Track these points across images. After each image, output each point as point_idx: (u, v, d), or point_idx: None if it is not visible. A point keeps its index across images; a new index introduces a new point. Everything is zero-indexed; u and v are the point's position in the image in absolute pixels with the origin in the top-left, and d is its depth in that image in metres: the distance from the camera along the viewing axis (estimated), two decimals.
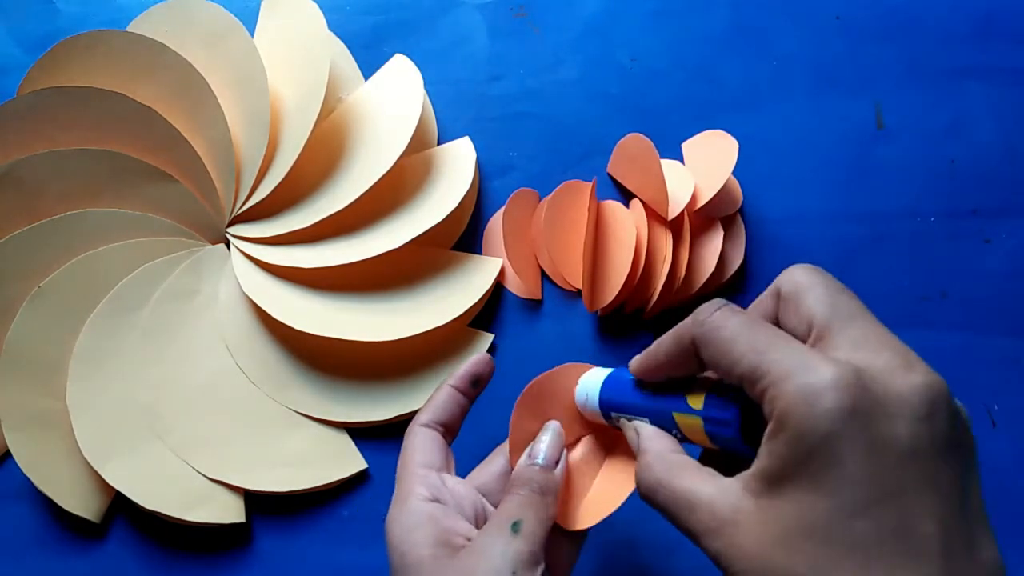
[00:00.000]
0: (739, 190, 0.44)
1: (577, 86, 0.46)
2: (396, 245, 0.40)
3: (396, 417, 0.40)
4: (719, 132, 0.43)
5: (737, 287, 0.43)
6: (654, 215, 0.42)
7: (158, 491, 0.38)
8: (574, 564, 0.31)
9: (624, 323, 0.43)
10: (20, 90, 0.43)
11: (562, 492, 0.29)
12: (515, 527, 0.27)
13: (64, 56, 0.42)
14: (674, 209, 0.40)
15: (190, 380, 0.41)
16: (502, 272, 0.43)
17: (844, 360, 0.20)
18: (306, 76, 0.42)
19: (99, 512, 0.40)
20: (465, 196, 0.42)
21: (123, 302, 0.41)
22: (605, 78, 0.46)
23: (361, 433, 0.41)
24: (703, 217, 0.42)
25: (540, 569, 0.26)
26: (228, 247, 0.43)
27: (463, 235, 0.44)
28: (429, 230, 0.41)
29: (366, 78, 0.46)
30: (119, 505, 0.40)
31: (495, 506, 0.31)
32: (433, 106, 0.46)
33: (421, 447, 0.31)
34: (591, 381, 0.30)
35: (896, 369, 0.20)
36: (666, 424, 0.26)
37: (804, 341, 0.22)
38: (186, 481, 0.39)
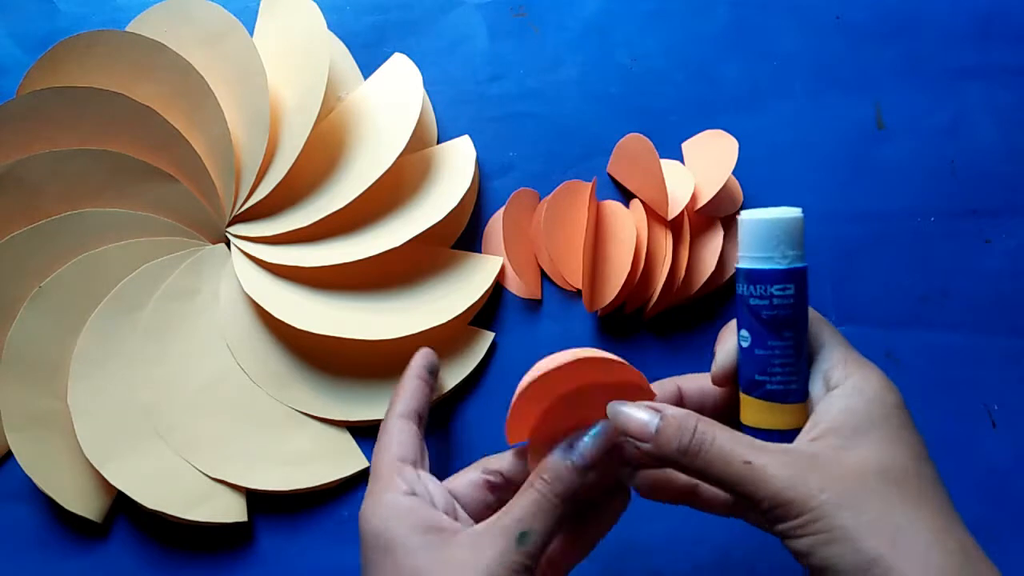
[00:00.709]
0: (739, 190, 0.44)
1: (577, 86, 0.46)
2: (396, 244, 0.40)
3: None
4: (719, 132, 0.43)
5: None
6: (654, 215, 0.42)
7: (160, 490, 0.38)
8: (572, 566, 0.31)
9: (624, 323, 0.43)
10: (20, 90, 0.43)
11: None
12: (523, 538, 0.26)
13: (64, 56, 0.42)
14: (674, 209, 0.40)
15: (191, 379, 0.41)
16: (502, 272, 0.43)
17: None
18: (306, 76, 0.42)
19: (101, 512, 0.40)
20: (465, 195, 0.42)
21: (124, 302, 0.41)
22: (605, 78, 0.46)
23: (362, 432, 0.41)
24: (703, 217, 0.42)
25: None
26: (228, 247, 0.43)
27: (463, 235, 0.44)
28: (429, 229, 0.41)
29: (366, 78, 0.46)
30: (121, 505, 0.40)
31: (467, 510, 0.31)
32: (433, 106, 0.46)
33: (399, 440, 0.32)
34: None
35: (887, 378, 0.28)
36: None
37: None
38: (188, 480, 0.39)
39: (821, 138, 0.45)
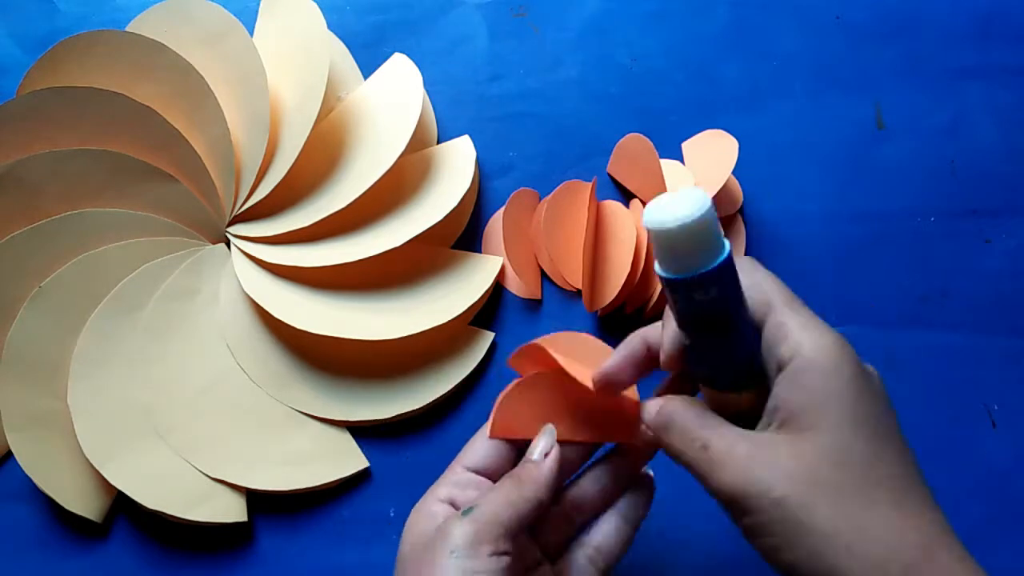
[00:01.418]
0: (739, 190, 0.44)
1: (577, 86, 0.46)
2: (396, 244, 0.40)
3: (397, 416, 0.40)
4: (719, 132, 0.43)
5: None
6: None
7: (160, 490, 0.38)
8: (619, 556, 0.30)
9: (624, 323, 0.43)
10: (20, 90, 0.43)
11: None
12: (466, 512, 0.26)
13: (64, 56, 0.42)
14: None
15: (191, 379, 0.41)
16: (502, 272, 0.43)
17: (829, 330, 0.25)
18: (306, 76, 0.42)
19: (101, 512, 0.40)
20: (465, 195, 0.42)
21: (124, 302, 0.41)
22: (605, 78, 0.46)
23: (362, 432, 0.41)
24: None
25: (488, 550, 0.25)
26: (228, 247, 0.43)
27: (463, 235, 0.44)
28: (429, 229, 0.41)
29: (366, 78, 0.46)
30: (121, 505, 0.40)
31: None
32: (433, 106, 0.46)
33: (479, 447, 0.30)
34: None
35: (842, 343, 0.25)
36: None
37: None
38: (188, 480, 0.39)
39: (821, 138, 0.45)
